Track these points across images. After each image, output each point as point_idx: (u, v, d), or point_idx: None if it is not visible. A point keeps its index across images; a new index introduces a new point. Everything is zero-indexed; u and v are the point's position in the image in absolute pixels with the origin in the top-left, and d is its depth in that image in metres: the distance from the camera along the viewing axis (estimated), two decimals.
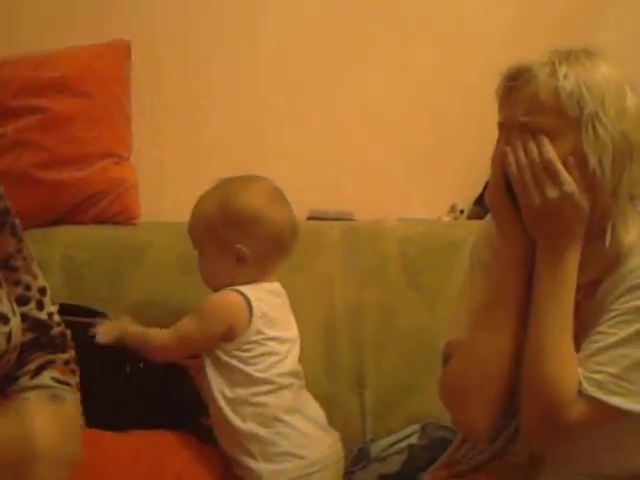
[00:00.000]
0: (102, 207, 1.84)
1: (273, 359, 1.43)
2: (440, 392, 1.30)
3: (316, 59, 2.14)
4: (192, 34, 2.07)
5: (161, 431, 1.43)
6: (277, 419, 1.41)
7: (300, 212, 1.70)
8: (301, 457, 1.41)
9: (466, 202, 2.20)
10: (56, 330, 1.21)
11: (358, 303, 1.87)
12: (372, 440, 1.76)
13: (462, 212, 2.20)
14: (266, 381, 1.41)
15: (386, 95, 2.16)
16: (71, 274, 1.73)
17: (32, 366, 1.15)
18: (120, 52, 1.92)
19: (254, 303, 1.42)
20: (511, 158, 1.16)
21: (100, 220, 1.85)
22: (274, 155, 2.08)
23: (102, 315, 1.57)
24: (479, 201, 2.16)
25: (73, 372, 1.19)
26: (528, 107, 1.15)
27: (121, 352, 1.48)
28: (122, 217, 1.86)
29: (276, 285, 1.51)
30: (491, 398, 1.21)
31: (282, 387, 1.43)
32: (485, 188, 2.12)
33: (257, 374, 1.41)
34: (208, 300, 1.46)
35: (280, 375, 1.43)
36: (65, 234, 1.80)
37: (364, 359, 1.85)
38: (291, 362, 1.47)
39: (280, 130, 2.12)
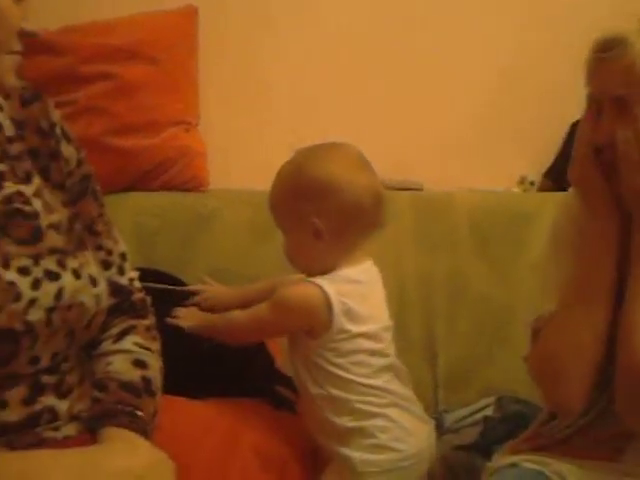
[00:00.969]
0: (171, 175, 1.83)
1: (361, 357, 1.33)
2: (530, 367, 1.27)
3: (382, 25, 2.11)
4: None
5: (237, 399, 1.41)
6: (374, 414, 1.33)
7: None
8: (397, 450, 1.33)
9: (536, 174, 2.18)
10: (137, 296, 1.20)
11: (429, 273, 1.86)
12: (445, 411, 1.74)
13: (532, 184, 2.17)
14: (355, 382, 1.32)
15: (454, 63, 2.13)
16: (142, 241, 1.72)
17: (114, 331, 1.15)
18: (188, 18, 1.91)
19: (334, 299, 1.29)
20: (621, 135, 1.10)
21: (169, 187, 1.84)
22: (341, 123, 2.04)
23: (179, 282, 1.56)
24: (550, 173, 2.15)
25: (154, 338, 1.19)
26: (624, 79, 1.10)
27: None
28: (191, 185, 1.85)
29: (364, 267, 1.37)
30: (584, 373, 1.18)
31: (373, 387, 1.33)
32: (557, 160, 2.13)
33: (345, 375, 1.32)
34: (286, 293, 1.33)
35: (371, 374, 1.33)
36: (135, 201, 1.80)
37: (435, 330, 1.84)
38: (385, 355, 1.36)
39: (347, 97, 2.10)
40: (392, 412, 1.34)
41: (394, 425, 1.33)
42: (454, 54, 2.12)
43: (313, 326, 1.30)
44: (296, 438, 1.41)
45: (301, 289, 1.33)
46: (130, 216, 1.74)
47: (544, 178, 2.16)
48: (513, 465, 1.27)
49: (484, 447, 1.59)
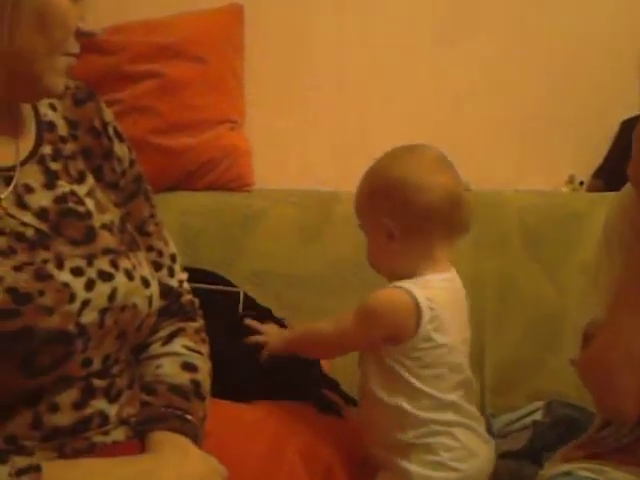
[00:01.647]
0: (216, 174, 1.81)
1: (441, 370, 1.28)
2: (582, 374, 1.23)
3: (429, 22, 2.08)
4: None
5: (283, 402, 1.39)
6: (440, 432, 1.27)
7: None
8: (458, 470, 1.28)
9: (585, 173, 2.14)
10: (186, 298, 1.19)
11: (477, 274, 1.82)
12: (492, 415, 1.71)
13: (582, 184, 2.14)
14: (430, 396, 1.27)
15: (501, 60, 2.10)
16: (187, 241, 1.71)
17: (163, 333, 1.13)
18: (233, 16, 1.89)
19: (423, 305, 1.24)
20: None
21: (214, 187, 1.83)
22: (386, 119, 2.03)
23: (227, 282, 1.54)
24: (599, 173, 2.12)
25: (204, 341, 1.17)
26: None
27: (246, 325, 1.44)
28: (236, 184, 1.84)
29: (449, 275, 1.32)
30: (636, 383, 1.14)
31: (447, 405, 1.28)
32: (606, 160, 2.09)
33: (421, 386, 1.26)
34: (372, 299, 1.28)
35: (447, 389, 1.29)
36: (180, 200, 1.79)
37: (484, 333, 1.80)
38: (461, 370, 1.32)
39: (392, 95, 2.07)
40: (458, 431, 1.29)
41: (459, 445, 1.28)
42: (499, 52, 2.09)
43: (397, 332, 1.25)
44: (342, 443, 1.38)
45: (388, 293, 1.28)
46: (175, 216, 1.73)
47: (593, 178, 2.13)
48: (567, 474, 1.24)
49: (533, 453, 1.57)
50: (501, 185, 1.99)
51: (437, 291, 1.28)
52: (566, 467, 1.26)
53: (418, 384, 1.26)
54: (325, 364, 1.55)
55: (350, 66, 2.05)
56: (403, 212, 1.26)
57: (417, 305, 1.24)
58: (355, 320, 1.29)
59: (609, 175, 2.06)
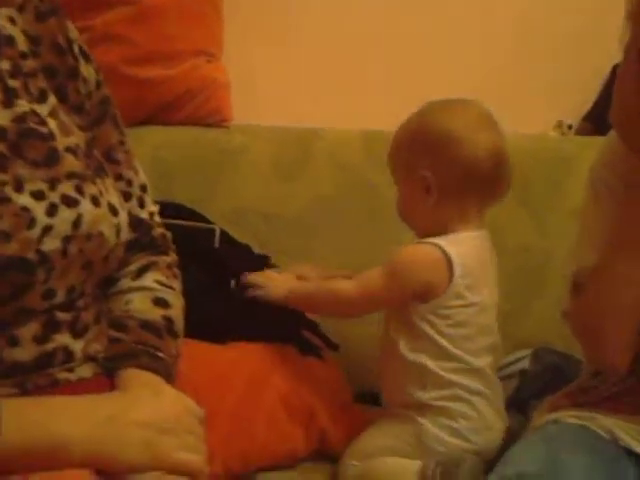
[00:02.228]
0: (193, 107, 1.72)
1: (471, 330, 1.24)
2: (572, 325, 1.18)
3: None
4: None
5: (261, 343, 1.33)
6: (462, 398, 1.24)
7: None
8: (470, 442, 1.24)
9: (573, 118, 2.08)
10: (157, 231, 1.12)
11: None
12: None
13: (570, 128, 2.07)
14: (457, 358, 1.23)
15: (486, 3, 2.02)
16: (161, 177, 1.62)
17: (133, 267, 1.07)
18: None
19: (455, 261, 1.20)
20: None
21: (190, 121, 1.74)
22: (371, 56, 1.96)
23: (201, 218, 1.47)
24: (589, 117, 2.05)
25: (176, 276, 1.11)
26: None
27: (223, 263, 1.37)
28: (213, 119, 1.75)
29: (481, 234, 1.28)
30: (630, 330, 1.09)
31: (473, 369, 1.24)
32: (597, 104, 2.03)
33: (449, 347, 1.22)
34: (402, 254, 1.24)
35: (475, 352, 1.25)
36: (154, 135, 1.70)
37: None
38: (490, 333, 1.29)
39: (379, 30, 1.98)
40: (478, 401, 1.25)
41: (477, 416, 1.25)
42: None
43: (428, 288, 1.21)
44: (324, 387, 1.35)
45: (418, 248, 1.25)
46: (148, 151, 1.64)
47: (583, 121, 2.07)
48: (555, 421, 1.19)
49: (519, 402, 1.52)
50: None
51: (469, 248, 1.24)
52: (554, 415, 1.21)
53: (445, 344, 1.22)
54: None
55: None
56: (444, 167, 1.22)
57: (449, 260, 1.20)
58: (384, 276, 1.24)
59: (599, 119, 2.00)
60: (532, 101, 2.06)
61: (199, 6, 1.74)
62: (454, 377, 1.23)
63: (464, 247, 1.23)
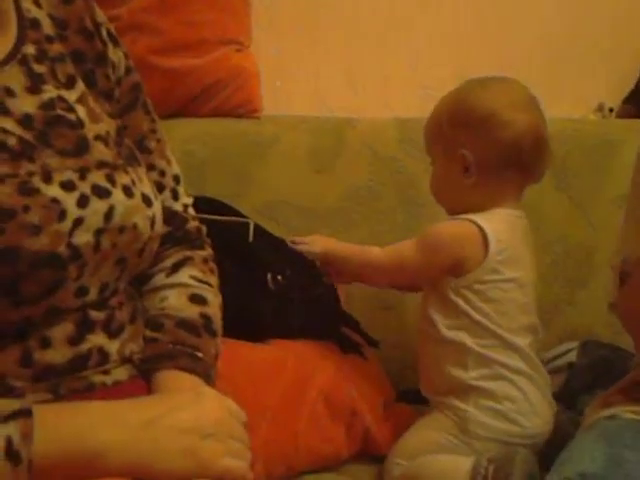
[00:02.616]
0: (222, 98, 1.67)
1: (508, 307, 1.22)
2: (620, 316, 1.13)
3: None
4: None
5: (301, 341, 1.28)
6: (504, 377, 1.21)
7: None
8: (520, 425, 1.21)
9: (614, 101, 2.01)
10: (192, 224, 1.07)
11: None
12: None
13: (611, 111, 2.01)
14: (495, 335, 1.21)
15: None
16: (192, 171, 1.57)
17: (168, 262, 1.01)
18: None
19: (491, 236, 1.19)
20: None
21: (220, 113, 1.68)
22: (403, 44, 1.90)
23: (236, 213, 1.42)
24: (631, 99, 1.98)
25: (212, 271, 1.05)
26: None
27: (259, 258, 1.32)
28: (244, 110, 1.69)
29: (517, 213, 1.27)
30: None
31: (513, 346, 1.22)
32: (637, 86, 1.96)
33: (487, 323, 1.20)
34: (436, 228, 1.24)
35: (514, 330, 1.22)
36: (183, 128, 1.64)
37: None
38: (529, 312, 1.26)
39: (410, 18, 1.92)
40: (523, 382, 1.22)
41: (522, 397, 1.22)
42: None
43: (462, 261, 1.19)
44: (366, 386, 1.31)
45: (453, 223, 1.24)
46: (178, 144, 1.57)
47: (624, 104, 1.99)
48: (611, 417, 1.13)
49: (568, 397, 1.46)
50: None
51: (505, 225, 1.23)
52: (609, 411, 1.15)
53: (482, 320, 1.20)
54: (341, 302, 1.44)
55: None
56: (485, 148, 1.21)
57: (484, 235, 1.19)
58: (416, 247, 1.24)
59: None
60: (572, 84, 2.01)
61: None
62: (494, 354, 1.21)
63: (500, 224, 1.22)
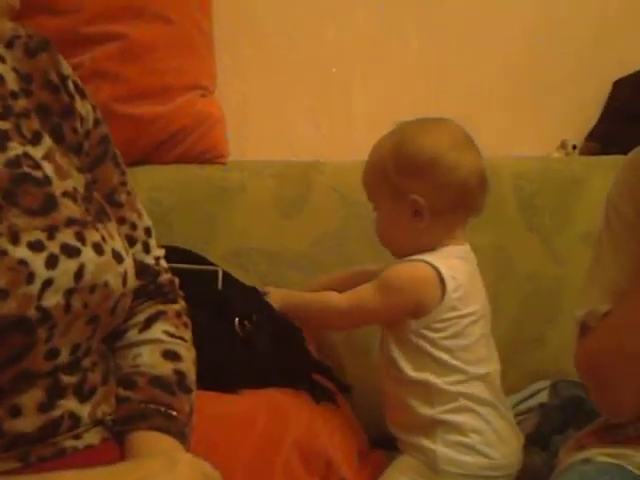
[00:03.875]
0: (188, 145, 1.66)
1: (468, 341, 1.24)
2: (579, 368, 1.14)
3: None
4: None
5: (274, 390, 1.26)
6: (469, 409, 1.23)
7: None
8: (487, 456, 1.22)
9: (577, 137, 2.03)
10: (164, 277, 1.05)
11: (471, 247, 1.69)
12: None
13: (574, 148, 2.02)
14: (459, 369, 1.23)
15: (484, 18, 1.97)
16: (158, 219, 1.50)
17: (141, 318, 1.00)
18: None
19: (446, 275, 1.21)
20: None
21: (186, 159, 1.67)
22: (368, 85, 1.90)
23: (206, 261, 1.40)
24: (593, 135, 2.01)
25: (186, 325, 1.03)
26: None
27: (229, 306, 1.31)
28: (209, 155, 1.68)
29: (466, 248, 1.30)
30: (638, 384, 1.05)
31: (475, 377, 1.24)
32: (600, 121, 1.99)
33: (449, 359, 1.22)
34: (394, 272, 1.25)
35: (475, 362, 1.24)
36: (149, 175, 1.63)
37: None
38: (487, 343, 1.28)
39: (375, 58, 1.93)
40: (488, 413, 1.24)
41: (488, 428, 1.23)
42: (483, 8, 1.96)
43: (422, 304, 1.21)
44: (341, 434, 1.28)
45: (410, 266, 1.25)
46: (144, 192, 1.55)
47: (587, 141, 2.02)
48: (586, 461, 1.13)
49: (541, 437, 1.46)
50: (490, 153, 1.85)
51: (457, 261, 1.25)
52: (584, 454, 1.15)
53: (445, 357, 1.22)
54: (311, 348, 1.43)
55: (333, 22, 1.90)
56: (436, 191, 1.22)
57: (439, 275, 1.20)
58: (376, 291, 1.25)
59: (603, 137, 1.97)
60: (535, 121, 2.03)
61: (189, 38, 1.68)
62: (459, 387, 1.22)
63: (453, 261, 1.24)
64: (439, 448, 1.21)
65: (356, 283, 1.31)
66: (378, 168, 1.27)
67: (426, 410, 1.22)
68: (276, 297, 1.34)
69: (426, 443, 1.22)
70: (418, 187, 1.22)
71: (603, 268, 1.12)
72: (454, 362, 1.22)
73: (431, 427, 1.22)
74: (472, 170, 1.23)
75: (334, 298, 1.29)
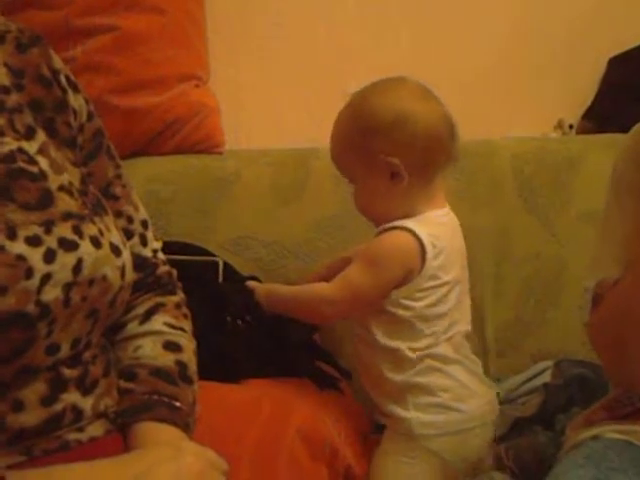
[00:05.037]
0: (184, 135, 1.65)
1: (443, 308, 1.22)
2: (592, 339, 1.13)
3: None
4: None
5: (276, 379, 1.26)
6: (436, 369, 1.22)
7: None
8: (459, 411, 1.22)
9: (573, 116, 2.02)
10: (162, 269, 1.05)
11: (471, 230, 1.66)
12: (498, 380, 1.60)
13: (571, 127, 2.02)
14: (430, 335, 1.22)
15: (481, 2, 1.97)
16: (156, 210, 1.55)
17: (140, 310, 0.99)
18: None
19: (427, 242, 1.18)
20: None
21: (182, 150, 1.66)
22: (364, 70, 1.88)
23: (204, 252, 1.40)
24: (589, 114, 2.00)
25: (186, 316, 1.03)
26: None
27: (220, 299, 1.31)
28: (205, 145, 1.68)
29: (446, 211, 1.26)
30: None
31: (447, 339, 1.23)
32: (596, 100, 1.99)
33: (423, 327, 1.21)
34: (377, 245, 1.22)
35: (446, 327, 1.23)
36: (146, 166, 1.62)
37: (481, 292, 1.67)
38: (462, 307, 1.27)
39: (370, 43, 1.92)
40: (456, 370, 1.24)
41: (456, 384, 1.23)
42: None
43: (406, 274, 1.18)
44: (344, 420, 1.28)
45: (392, 236, 1.21)
46: (141, 183, 1.55)
47: (583, 120, 2.01)
48: (595, 437, 1.12)
49: (546, 417, 1.46)
50: (488, 134, 1.86)
51: (438, 227, 1.22)
52: (593, 431, 1.14)
53: (421, 325, 1.21)
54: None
55: (324, 9, 1.89)
56: (407, 147, 1.18)
57: (421, 243, 1.18)
58: (362, 269, 1.21)
59: (600, 116, 1.96)
60: (531, 101, 2.02)
61: (182, 29, 1.67)
62: (428, 351, 1.21)
63: (434, 227, 1.21)
64: (412, 414, 1.21)
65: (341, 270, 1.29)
66: (344, 139, 1.23)
67: (395, 375, 1.22)
68: (260, 293, 1.30)
69: (399, 411, 1.22)
70: (389, 147, 1.18)
71: (611, 238, 1.11)
72: (428, 329, 1.21)
73: (401, 393, 1.22)
74: (438, 117, 1.19)
75: (323, 287, 1.25)
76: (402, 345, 1.21)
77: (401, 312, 1.20)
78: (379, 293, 1.21)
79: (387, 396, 1.24)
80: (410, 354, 1.21)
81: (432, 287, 1.20)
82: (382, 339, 1.22)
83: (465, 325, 1.28)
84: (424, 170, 1.20)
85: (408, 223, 1.19)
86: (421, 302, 1.20)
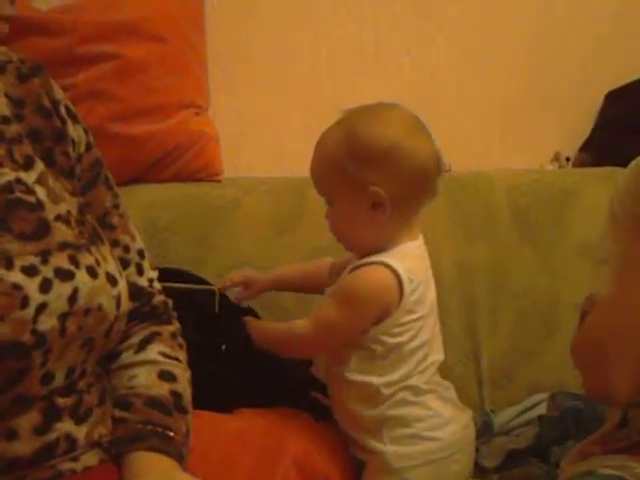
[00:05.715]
0: (183, 163, 1.66)
1: (419, 342, 1.21)
2: (573, 350, 1.13)
3: None
4: None
5: (270, 409, 1.26)
6: (409, 401, 1.21)
7: None
8: (434, 439, 1.21)
9: (570, 149, 2.04)
10: (158, 298, 1.05)
11: (466, 262, 1.70)
12: (492, 411, 1.60)
13: (568, 160, 2.03)
14: (403, 368, 1.21)
15: (480, 33, 1.99)
16: (154, 237, 1.56)
17: (135, 339, 1.00)
18: None
19: (404, 277, 1.16)
20: None
21: (181, 177, 1.67)
22: (361, 99, 1.88)
23: (202, 281, 1.40)
24: (586, 147, 2.02)
25: (181, 346, 1.04)
26: None
27: (216, 329, 1.31)
28: (204, 173, 1.69)
29: (419, 243, 1.24)
30: (636, 360, 1.04)
31: (420, 371, 1.22)
32: (594, 133, 2.00)
33: (398, 361, 1.20)
34: (354, 281, 1.19)
35: (420, 359, 1.22)
36: (145, 193, 1.63)
37: (477, 324, 1.69)
38: (434, 336, 1.26)
39: (368, 73, 1.94)
40: (429, 399, 1.22)
41: (431, 413, 1.22)
42: (479, 27, 1.98)
43: (385, 309, 1.17)
44: (338, 450, 1.27)
45: (369, 272, 1.18)
46: (140, 210, 1.56)
47: (580, 153, 2.03)
48: (589, 473, 1.12)
49: (541, 449, 1.46)
50: (484, 166, 1.88)
51: (413, 260, 1.21)
52: (586, 465, 1.15)
53: (396, 359, 1.20)
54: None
55: (323, 41, 1.91)
56: (396, 181, 1.16)
57: (399, 279, 1.16)
58: (340, 308, 1.19)
59: (597, 149, 1.98)
60: (528, 133, 2.04)
61: (182, 57, 1.68)
62: (401, 384, 1.20)
63: (409, 261, 1.19)
64: (388, 448, 1.20)
65: (320, 274, 1.33)
66: (332, 161, 1.19)
67: (369, 410, 1.21)
68: (252, 329, 1.29)
69: (375, 445, 1.21)
70: (377, 178, 1.16)
71: (607, 258, 1.12)
72: (403, 363, 1.20)
73: (377, 426, 1.21)
74: (429, 154, 1.17)
75: (301, 326, 1.22)
76: (376, 380, 1.20)
77: (379, 348, 1.19)
78: (357, 329, 1.19)
79: (363, 431, 1.23)
80: (383, 389, 1.19)
81: (409, 321, 1.19)
82: (356, 375, 1.21)
83: (438, 355, 1.27)
84: (407, 203, 1.19)
85: (385, 258, 1.18)
86: (399, 337, 1.19)
